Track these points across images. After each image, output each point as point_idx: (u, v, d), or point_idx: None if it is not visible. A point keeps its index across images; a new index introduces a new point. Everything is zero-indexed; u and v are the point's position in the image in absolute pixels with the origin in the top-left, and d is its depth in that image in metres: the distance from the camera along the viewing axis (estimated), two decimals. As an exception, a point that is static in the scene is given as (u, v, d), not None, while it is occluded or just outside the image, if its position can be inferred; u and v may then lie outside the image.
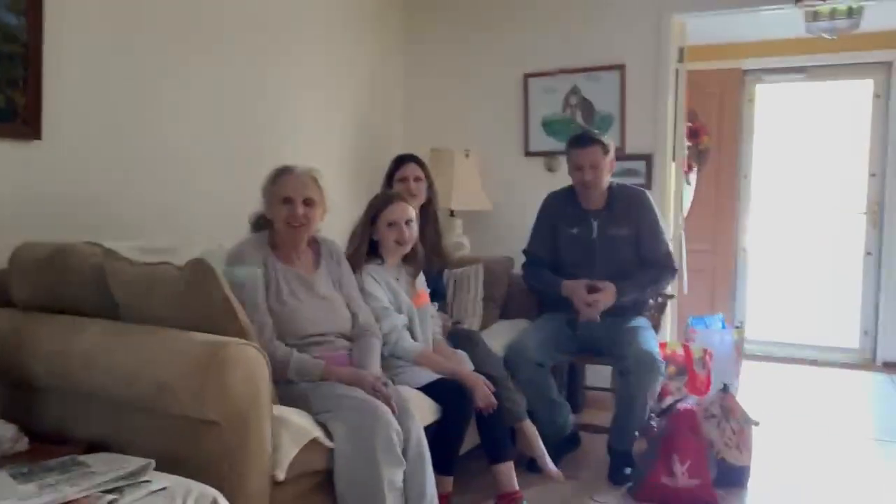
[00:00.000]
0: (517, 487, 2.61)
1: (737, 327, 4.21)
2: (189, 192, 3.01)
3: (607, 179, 3.21)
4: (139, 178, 2.81)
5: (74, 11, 2.54)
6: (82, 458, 1.62)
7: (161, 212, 2.87)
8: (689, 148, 5.28)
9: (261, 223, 2.46)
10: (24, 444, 1.77)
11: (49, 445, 1.80)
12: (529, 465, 2.97)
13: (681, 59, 4.12)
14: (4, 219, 2.34)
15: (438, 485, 2.40)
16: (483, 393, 2.53)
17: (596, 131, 3.36)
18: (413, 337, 2.64)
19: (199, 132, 3.06)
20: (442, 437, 2.41)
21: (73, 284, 2.07)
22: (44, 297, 2.09)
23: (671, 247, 3.36)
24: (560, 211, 3.29)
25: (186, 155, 3.00)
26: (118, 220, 2.68)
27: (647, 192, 3.33)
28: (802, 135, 5.71)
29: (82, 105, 2.59)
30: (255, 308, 2.21)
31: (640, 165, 3.93)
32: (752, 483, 2.97)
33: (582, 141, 3.17)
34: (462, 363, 2.69)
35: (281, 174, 2.39)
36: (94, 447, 1.77)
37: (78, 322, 1.99)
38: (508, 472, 2.61)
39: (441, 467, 2.40)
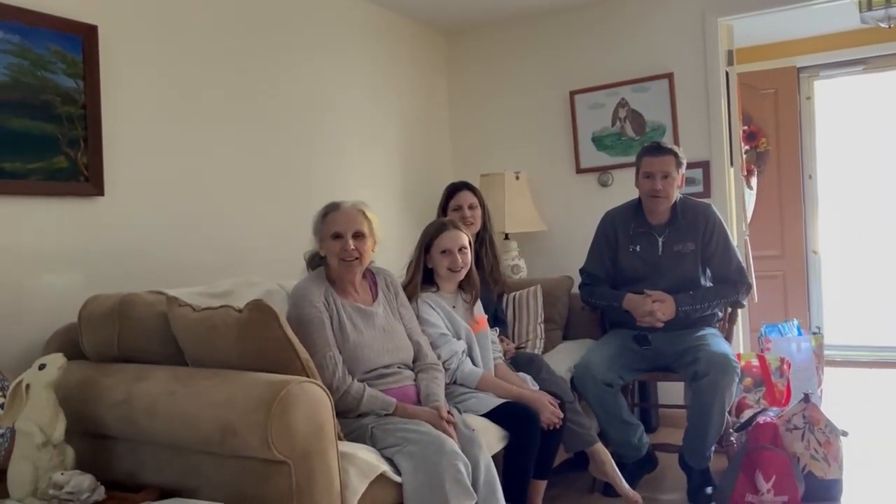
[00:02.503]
0: None
1: (814, 333, 4.02)
2: (246, 235, 3.08)
3: (676, 194, 3.13)
4: (198, 225, 2.88)
5: (129, 73, 2.64)
6: (154, 504, 1.65)
7: (221, 256, 2.94)
8: (747, 152, 5.14)
9: (316, 261, 2.49)
10: (100, 493, 1.80)
11: (124, 493, 1.83)
12: (606, 490, 2.89)
13: (730, 63, 4.02)
14: (74, 273, 2.43)
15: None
16: (549, 413, 2.47)
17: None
18: (473, 363, 2.61)
19: (251, 177, 3.13)
20: (511, 466, 2.36)
21: (139, 333, 2.12)
22: (112, 348, 2.14)
23: (742, 261, 3.24)
24: (622, 227, 3.21)
25: (241, 200, 3.07)
26: (180, 268, 2.75)
27: (713, 206, 3.22)
28: (868, 128, 5.49)
29: (141, 160, 2.68)
30: (328, 345, 2.23)
31: (696, 174, 3.84)
32: (846, 497, 2.81)
33: (656, 149, 3.10)
34: (525, 385, 2.65)
35: (329, 211, 2.42)
36: (166, 493, 1.80)
37: (142, 370, 2.03)
38: (541, 490, 2.58)
39: (513, 498, 2.35)
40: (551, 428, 2.47)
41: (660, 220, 3.14)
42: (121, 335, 2.12)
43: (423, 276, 2.68)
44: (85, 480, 1.78)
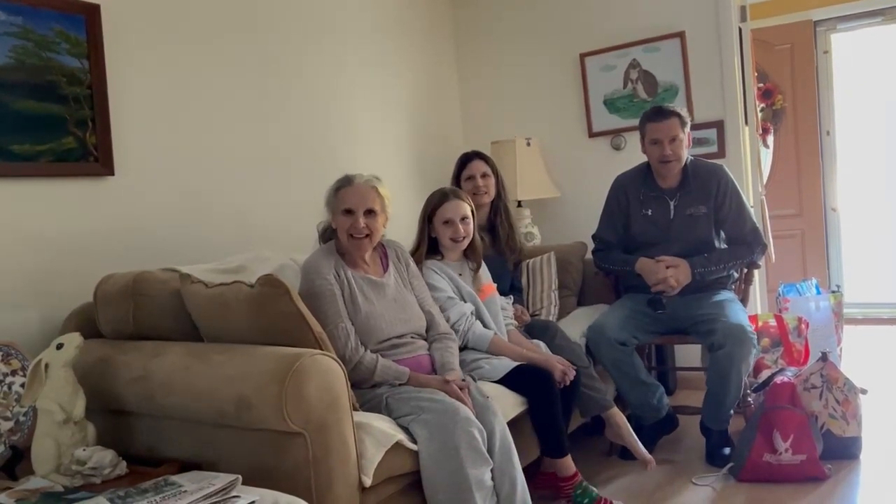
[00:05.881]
0: None
1: (833, 292, 3.97)
2: (257, 210, 3.08)
3: (686, 154, 3.09)
4: (209, 202, 2.88)
5: (135, 51, 2.63)
6: (174, 478, 1.66)
7: (232, 232, 2.95)
8: (762, 110, 5.05)
9: (328, 234, 2.49)
10: (122, 468, 1.83)
11: (146, 468, 1.86)
12: (622, 453, 2.90)
13: (744, 19, 3.94)
14: (88, 253, 2.45)
15: (559, 468, 2.43)
16: (560, 370, 2.48)
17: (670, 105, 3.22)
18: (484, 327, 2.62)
19: (261, 151, 3.12)
20: (541, 422, 2.40)
21: (153, 311, 2.14)
22: (128, 325, 2.16)
23: (757, 221, 3.20)
24: (633, 192, 3.18)
25: (252, 175, 3.07)
26: (192, 245, 2.76)
27: (724, 167, 3.17)
28: (887, 82, 5.37)
29: (150, 138, 2.68)
30: (339, 316, 2.24)
31: (711, 134, 3.78)
32: (865, 454, 2.80)
33: (659, 114, 3.06)
34: (537, 350, 2.66)
35: (342, 186, 2.40)
36: (186, 467, 1.82)
37: (157, 346, 2.05)
38: None
39: (553, 451, 2.40)
40: (563, 385, 2.47)
41: (671, 184, 3.11)
42: (135, 313, 2.14)
43: (427, 246, 2.69)
44: (107, 456, 1.81)
